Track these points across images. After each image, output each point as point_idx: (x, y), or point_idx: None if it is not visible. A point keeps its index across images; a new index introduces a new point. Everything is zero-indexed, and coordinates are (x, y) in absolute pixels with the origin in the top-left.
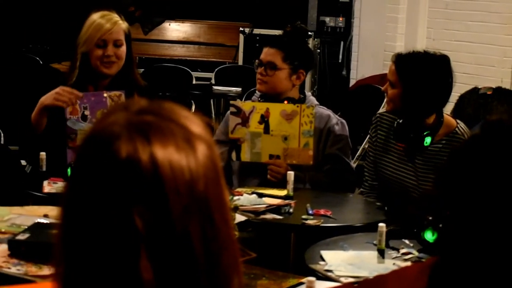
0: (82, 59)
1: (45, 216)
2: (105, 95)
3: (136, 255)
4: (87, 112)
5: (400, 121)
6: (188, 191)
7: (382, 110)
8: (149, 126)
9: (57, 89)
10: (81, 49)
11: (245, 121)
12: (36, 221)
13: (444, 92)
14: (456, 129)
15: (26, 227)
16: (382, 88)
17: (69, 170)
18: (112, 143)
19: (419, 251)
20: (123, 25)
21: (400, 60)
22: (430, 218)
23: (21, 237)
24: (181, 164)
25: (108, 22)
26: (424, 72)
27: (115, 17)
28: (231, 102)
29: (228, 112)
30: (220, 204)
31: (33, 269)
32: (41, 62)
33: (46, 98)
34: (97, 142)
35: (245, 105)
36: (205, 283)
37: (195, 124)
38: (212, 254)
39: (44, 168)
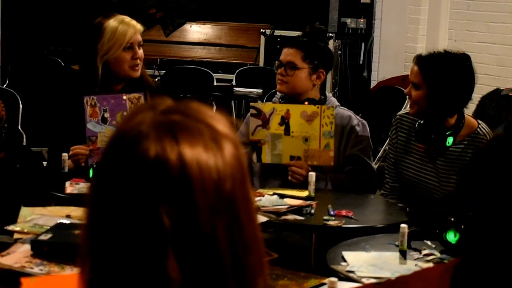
0: (103, 66)
1: (68, 216)
2: (124, 97)
3: (163, 254)
4: (106, 115)
5: (421, 122)
6: (216, 191)
7: (403, 111)
8: (176, 126)
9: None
10: (106, 56)
11: (265, 123)
12: (59, 221)
13: (467, 90)
14: (478, 129)
15: (49, 227)
16: (405, 91)
17: (91, 171)
18: (139, 143)
19: (441, 252)
20: (141, 27)
21: (423, 61)
22: (452, 219)
23: (43, 237)
24: (209, 164)
25: (130, 25)
26: (448, 72)
27: (131, 19)
28: (251, 104)
29: (249, 114)
30: (246, 204)
31: (55, 269)
32: (62, 64)
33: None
34: (124, 142)
35: (265, 107)
36: (231, 283)
37: (221, 123)
38: (238, 254)
39: (66, 169)
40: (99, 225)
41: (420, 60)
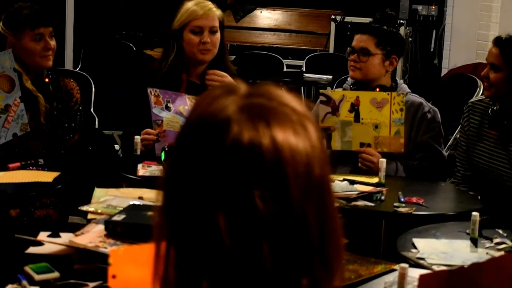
0: (177, 47)
1: (140, 198)
2: (185, 97)
3: (258, 238)
4: (170, 105)
5: (495, 107)
6: (306, 175)
7: (475, 98)
8: (266, 110)
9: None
10: (175, 36)
11: (335, 110)
12: (131, 203)
13: None
14: None
15: (122, 208)
16: (482, 73)
17: (163, 154)
18: (230, 128)
19: None
20: (218, 12)
21: (505, 43)
22: None
23: (117, 218)
24: (299, 148)
25: (202, 8)
26: None
27: (209, 4)
28: (321, 91)
29: (318, 101)
30: (329, 186)
31: None
32: (134, 49)
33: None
34: (211, 127)
35: (335, 94)
36: (317, 265)
37: (300, 105)
38: (325, 236)
39: (138, 152)
40: (185, 209)
41: (501, 42)
